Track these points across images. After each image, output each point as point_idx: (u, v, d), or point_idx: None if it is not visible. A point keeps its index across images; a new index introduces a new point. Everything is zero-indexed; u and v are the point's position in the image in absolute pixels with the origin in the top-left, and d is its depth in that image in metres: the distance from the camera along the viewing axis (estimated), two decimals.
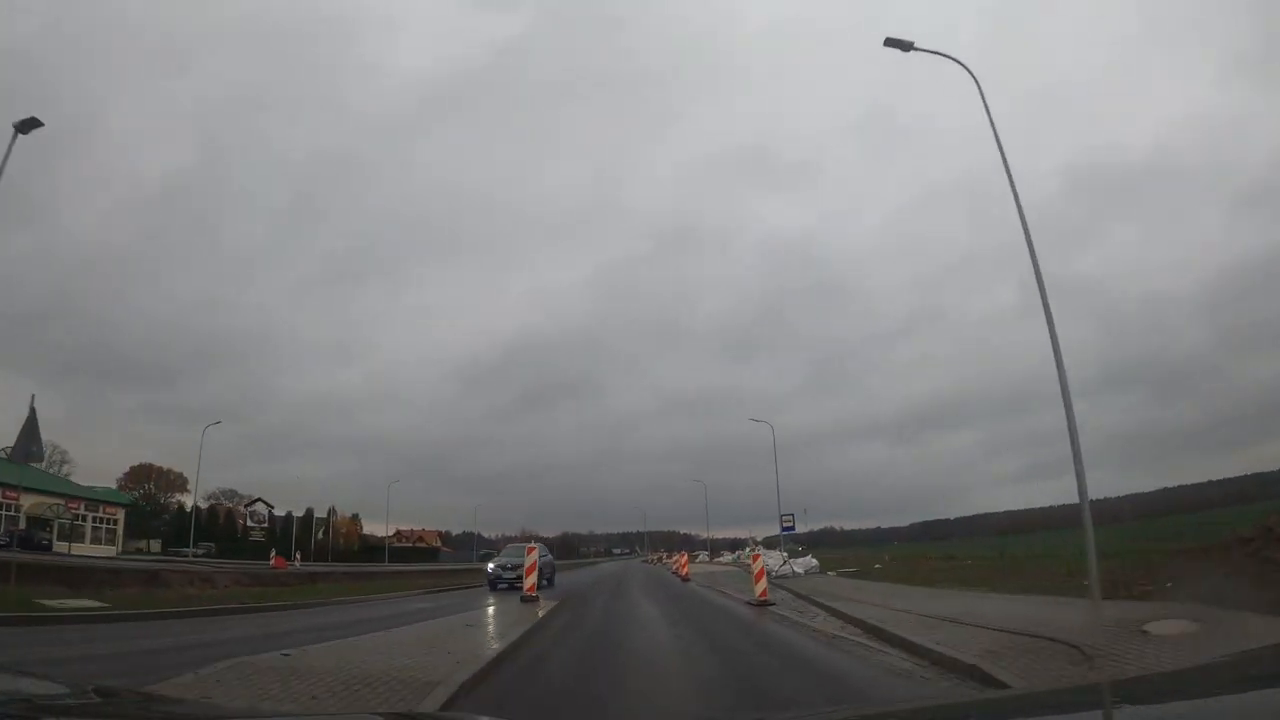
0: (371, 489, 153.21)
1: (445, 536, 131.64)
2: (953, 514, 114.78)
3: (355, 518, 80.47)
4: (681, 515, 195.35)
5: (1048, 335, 11.91)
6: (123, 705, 1.95)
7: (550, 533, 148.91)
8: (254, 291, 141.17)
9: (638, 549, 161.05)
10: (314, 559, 57.22)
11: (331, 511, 75.09)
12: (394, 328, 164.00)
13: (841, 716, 2.79)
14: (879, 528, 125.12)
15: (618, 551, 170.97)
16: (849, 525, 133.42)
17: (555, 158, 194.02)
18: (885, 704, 5.10)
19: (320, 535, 67.73)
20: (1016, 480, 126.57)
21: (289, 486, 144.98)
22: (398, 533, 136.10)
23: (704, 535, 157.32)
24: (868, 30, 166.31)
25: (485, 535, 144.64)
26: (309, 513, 72.59)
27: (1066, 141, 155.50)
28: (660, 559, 75.53)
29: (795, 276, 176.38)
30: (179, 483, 74.99)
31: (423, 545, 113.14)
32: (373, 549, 72.51)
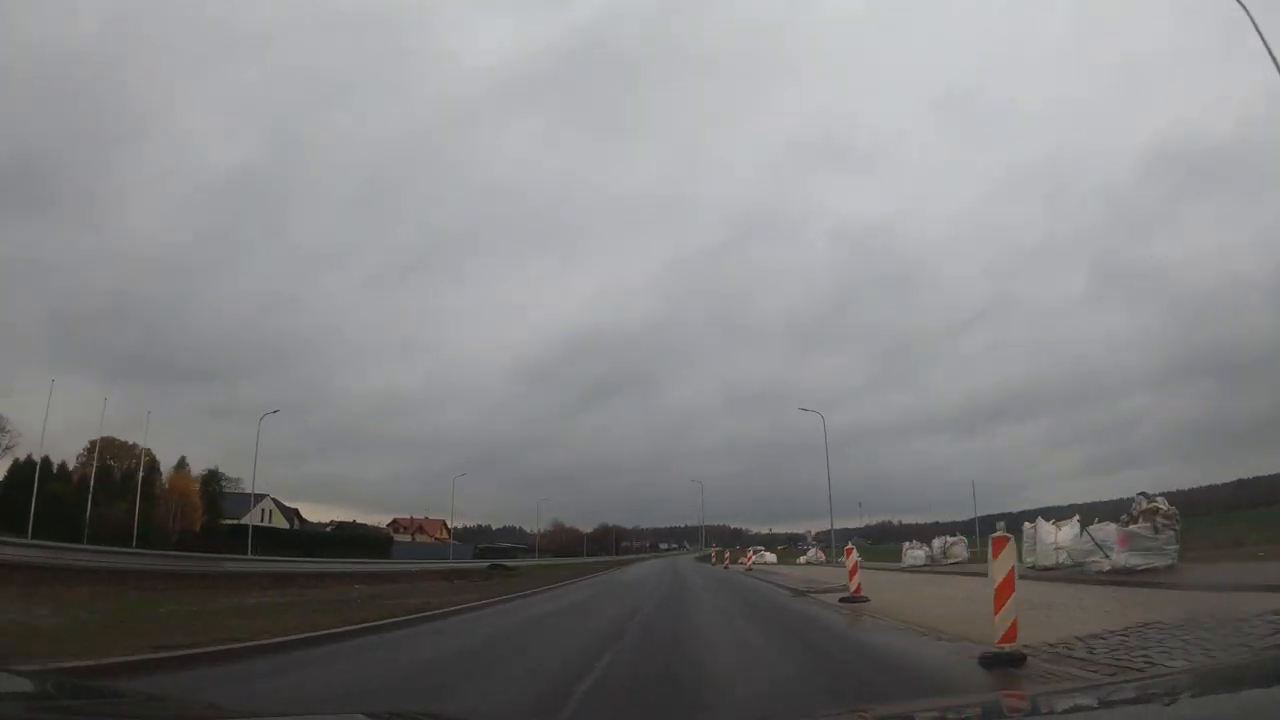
0: (424, 487, 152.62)
1: (475, 530, 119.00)
2: (1013, 508, 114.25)
3: (210, 477, 50.68)
4: (733, 512, 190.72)
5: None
6: (123, 705, 1.85)
7: (589, 527, 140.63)
8: (319, 287, 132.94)
9: (686, 544, 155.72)
10: (87, 539, 29.93)
11: (181, 463, 47.30)
12: (458, 323, 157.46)
13: (846, 717, 2.93)
14: (937, 522, 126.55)
15: (664, 546, 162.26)
16: (907, 519, 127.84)
17: (631, 145, 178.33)
18: (888, 706, 4.09)
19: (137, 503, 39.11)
20: (1072, 476, 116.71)
21: (344, 484, 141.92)
22: (394, 521, 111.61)
23: (754, 530, 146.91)
24: (947, 11, 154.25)
25: (527, 530, 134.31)
26: (133, 467, 43.87)
27: (1149, 118, 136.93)
28: (742, 557, 46.00)
29: (867, 266, 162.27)
30: (147, 462, 63.01)
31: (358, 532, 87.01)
32: (234, 533, 43.34)
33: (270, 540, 48.25)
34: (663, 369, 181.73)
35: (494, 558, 76.63)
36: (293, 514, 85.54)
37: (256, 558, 36.09)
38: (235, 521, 42.82)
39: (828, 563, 35.83)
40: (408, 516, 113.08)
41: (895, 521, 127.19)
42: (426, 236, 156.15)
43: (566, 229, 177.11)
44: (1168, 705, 1.49)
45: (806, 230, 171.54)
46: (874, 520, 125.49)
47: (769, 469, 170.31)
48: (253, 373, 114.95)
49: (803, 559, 43.54)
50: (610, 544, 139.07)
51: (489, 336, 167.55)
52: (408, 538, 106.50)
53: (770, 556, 40.19)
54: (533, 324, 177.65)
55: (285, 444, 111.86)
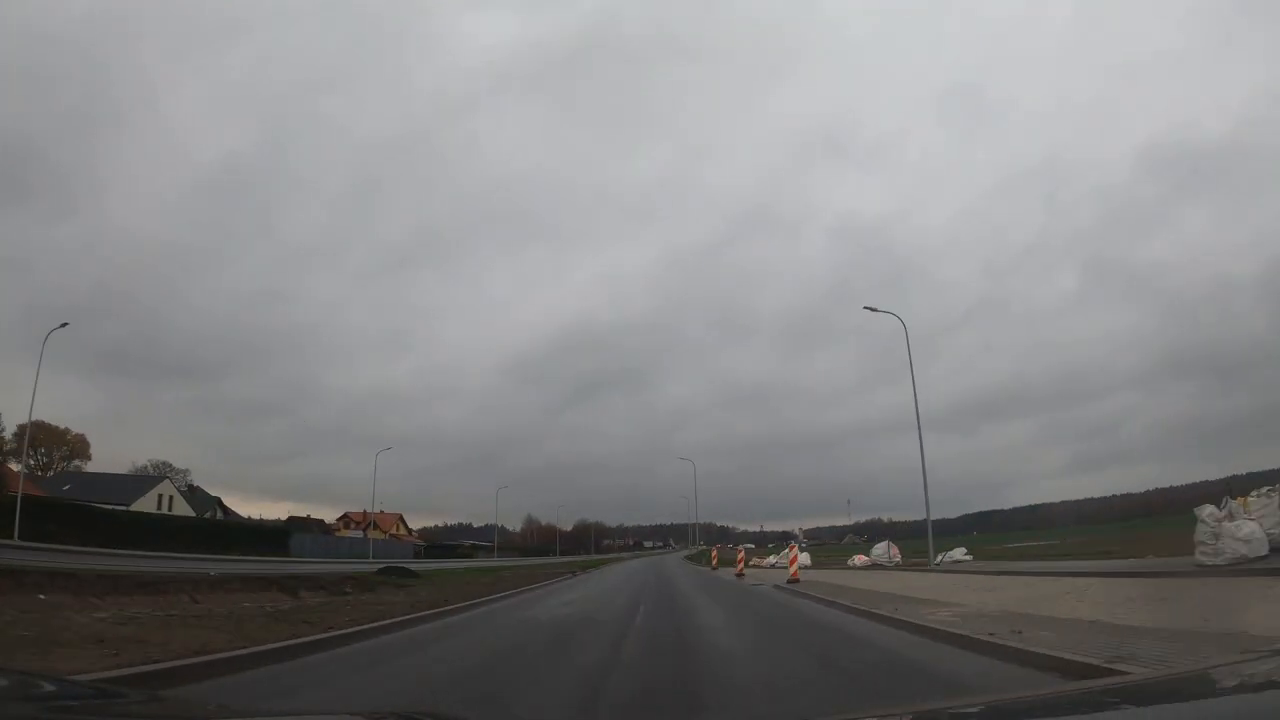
0: (411, 484, 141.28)
1: (456, 528, 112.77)
2: (1001, 506, 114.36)
3: None
4: (720, 510, 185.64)
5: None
6: (126, 705, 1.87)
7: (575, 524, 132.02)
8: (309, 283, 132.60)
9: (672, 542, 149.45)
10: None
11: None
12: (449, 320, 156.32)
13: (852, 717, 2.99)
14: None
15: (649, 545, 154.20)
16: (897, 517, 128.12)
17: (630, 142, 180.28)
18: (888, 706, 4.18)
19: None
20: (1062, 474, 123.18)
21: (332, 483, 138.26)
22: (345, 516, 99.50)
23: (742, 529, 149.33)
24: (949, 9, 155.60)
25: (509, 528, 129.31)
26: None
27: (1147, 119, 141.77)
28: (762, 558, 32.89)
29: (864, 263, 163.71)
30: (79, 448, 64.55)
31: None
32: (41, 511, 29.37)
33: (120, 527, 34.92)
34: (655, 367, 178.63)
35: (441, 556, 63.91)
36: (213, 502, 72.51)
37: (31, 545, 22.99)
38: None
39: (918, 567, 22.46)
40: (360, 511, 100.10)
41: (885, 519, 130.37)
42: (418, 232, 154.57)
43: (562, 225, 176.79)
44: (1171, 707, 1.47)
45: (805, 227, 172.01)
46: (863, 518, 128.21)
47: (757, 468, 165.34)
48: (236, 369, 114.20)
49: (860, 560, 29.33)
50: (589, 542, 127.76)
51: (479, 334, 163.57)
52: (359, 533, 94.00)
53: (804, 557, 27.11)
54: (525, 321, 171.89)
55: (281, 443, 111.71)
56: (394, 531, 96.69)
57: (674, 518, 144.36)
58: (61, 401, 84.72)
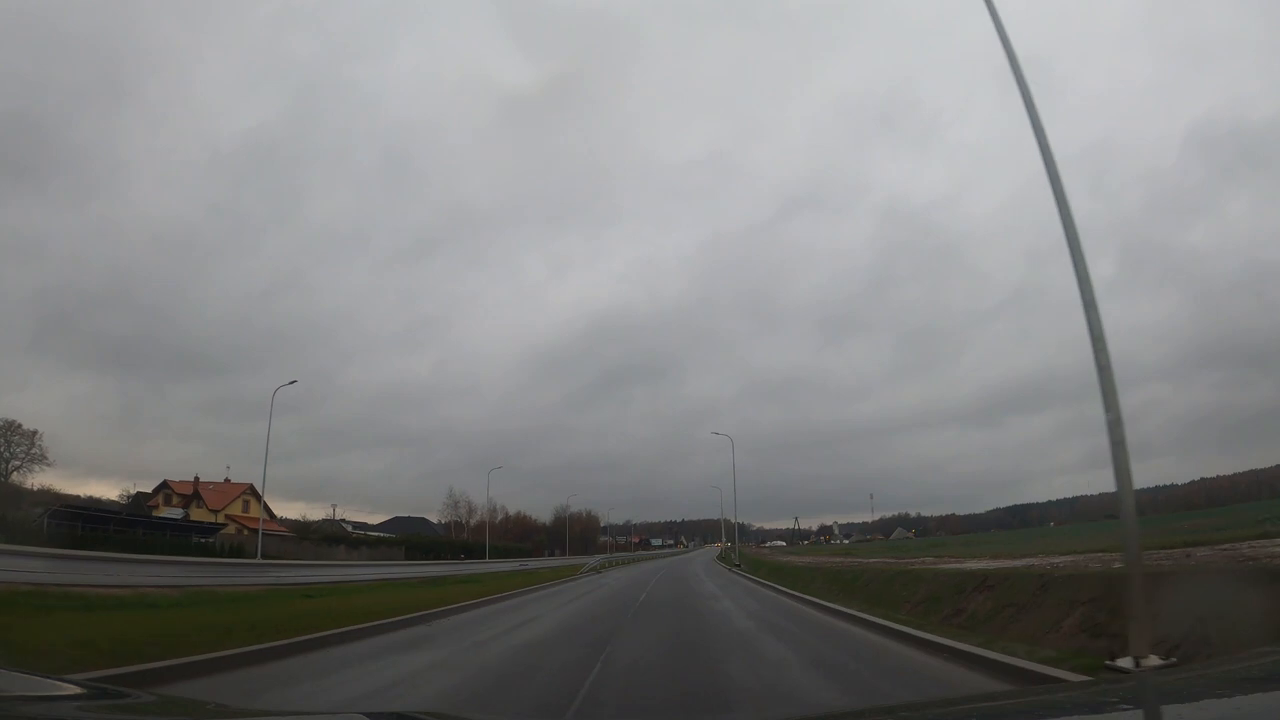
0: (432, 482, 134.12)
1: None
2: (1035, 499, 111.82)
3: None
4: (743, 507, 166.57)
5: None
6: (126, 705, 1.86)
7: (544, 516, 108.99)
8: (330, 271, 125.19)
9: (684, 539, 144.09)
10: None
11: None
12: (471, 313, 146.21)
13: (841, 715, 2.93)
14: (955, 514, 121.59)
15: (658, 543, 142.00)
16: (925, 512, 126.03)
17: (678, 116, 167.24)
18: (886, 701, 4.66)
19: None
20: (1081, 468, 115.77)
21: (344, 482, 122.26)
22: (164, 484, 62.24)
23: (767, 526, 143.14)
24: None
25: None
26: None
27: (1205, 98, 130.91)
28: None
29: (908, 248, 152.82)
30: None
31: None
32: None
33: None
34: (679, 360, 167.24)
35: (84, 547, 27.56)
36: None
37: None
38: None
39: None
40: (190, 480, 62.99)
41: (913, 513, 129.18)
42: (443, 218, 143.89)
43: (595, 210, 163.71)
44: (1170, 707, 1.45)
45: (848, 212, 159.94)
46: (890, 513, 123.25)
47: (777, 465, 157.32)
48: (250, 365, 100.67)
49: None
50: (570, 540, 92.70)
51: (500, 329, 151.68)
52: (179, 512, 58.01)
53: None
54: (547, 316, 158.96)
55: (300, 441, 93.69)
56: (235, 511, 59.48)
57: (690, 514, 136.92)
58: (67, 397, 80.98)
